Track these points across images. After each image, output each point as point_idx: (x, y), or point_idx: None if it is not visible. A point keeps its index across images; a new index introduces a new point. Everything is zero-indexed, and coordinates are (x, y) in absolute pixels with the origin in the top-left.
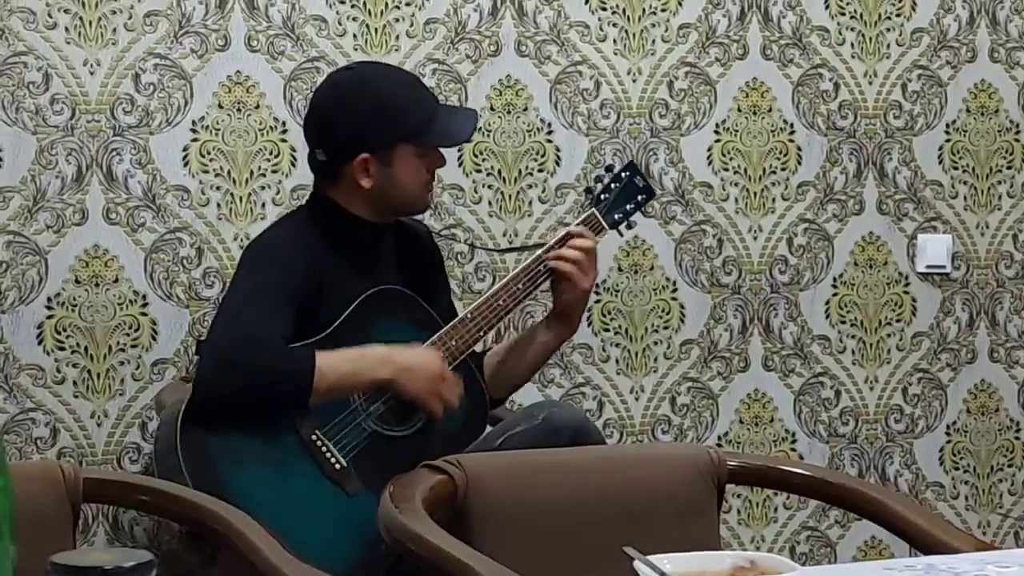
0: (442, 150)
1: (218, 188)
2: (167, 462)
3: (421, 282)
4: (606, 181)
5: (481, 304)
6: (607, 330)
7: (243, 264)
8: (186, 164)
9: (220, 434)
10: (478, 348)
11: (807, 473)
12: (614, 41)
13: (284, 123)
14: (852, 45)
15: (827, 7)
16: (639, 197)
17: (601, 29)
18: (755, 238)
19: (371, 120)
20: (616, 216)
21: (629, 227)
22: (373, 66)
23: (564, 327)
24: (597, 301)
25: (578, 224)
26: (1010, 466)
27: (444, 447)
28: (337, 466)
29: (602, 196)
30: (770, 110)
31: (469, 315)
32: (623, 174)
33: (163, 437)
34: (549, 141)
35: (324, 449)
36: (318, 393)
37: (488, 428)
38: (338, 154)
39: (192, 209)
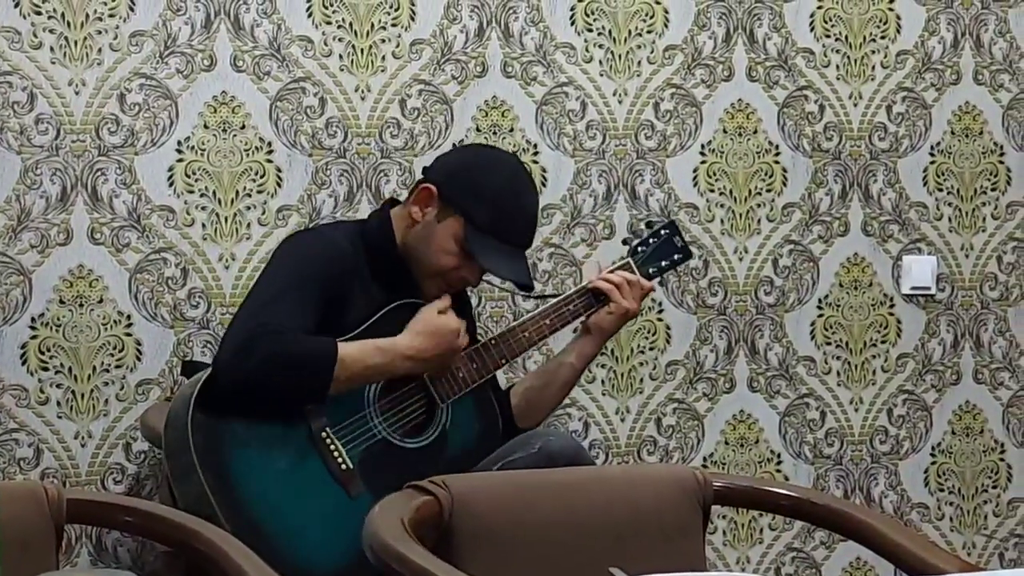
0: (482, 279)
1: (203, 208)
2: (177, 453)
3: None
4: (644, 236)
5: (505, 333)
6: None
7: (277, 257)
8: (171, 184)
9: (232, 417)
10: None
11: (792, 494)
12: (600, 62)
13: (270, 143)
14: (837, 67)
15: (812, 29)
16: (676, 256)
17: (587, 50)
18: (740, 259)
19: (466, 177)
20: (651, 269)
21: (662, 283)
22: (519, 165)
23: (588, 346)
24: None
25: (613, 269)
26: (995, 487)
27: (451, 465)
28: (344, 467)
29: (639, 248)
30: (755, 132)
31: (492, 342)
32: (662, 231)
33: (173, 424)
34: (535, 162)
35: (332, 448)
36: (338, 382)
37: None
38: (429, 175)
39: (177, 229)
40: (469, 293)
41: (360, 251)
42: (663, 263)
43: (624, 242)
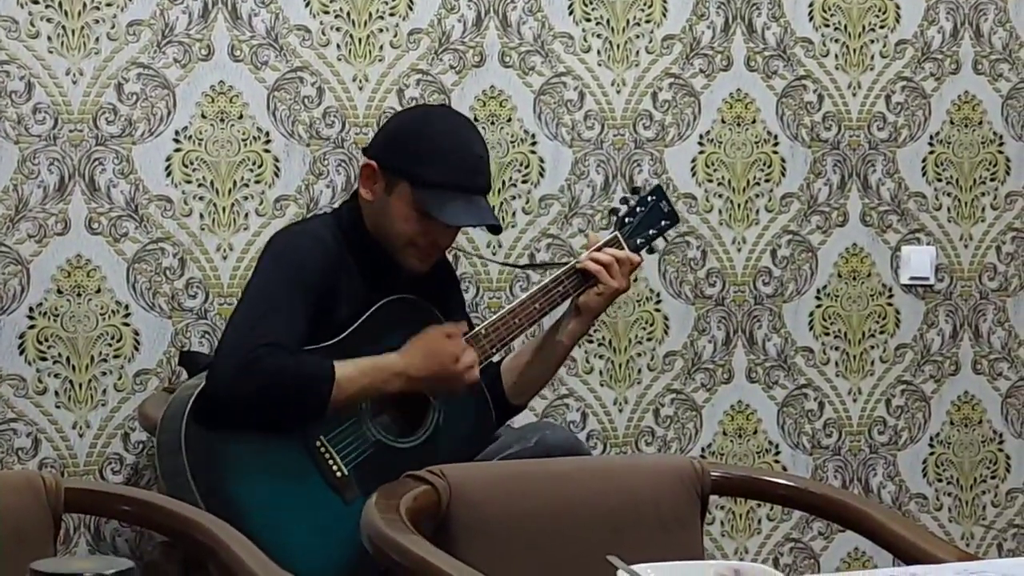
0: (457, 234)
1: (201, 198)
2: (170, 455)
3: (436, 299)
4: (631, 204)
5: (496, 321)
6: (591, 341)
7: (264, 261)
8: (169, 174)
9: (225, 431)
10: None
11: (791, 484)
12: (598, 52)
13: (267, 133)
14: (836, 57)
15: (811, 19)
16: (663, 222)
17: (585, 40)
18: (739, 250)
19: (399, 141)
20: (639, 240)
21: (651, 251)
22: (450, 114)
23: (579, 325)
24: None
25: (599, 246)
26: (993, 478)
27: (447, 460)
28: (339, 474)
29: (626, 219)
30: (754, 121)
31: (483, 331)
32: (649, 198)
33: (167, 429)
34: (533, 152)
35: (327, 456)
36: (335, 404)
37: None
38: (367, 152)
39: (175, 219)
40: (465, 286)
41: (340, 241)
42: (651, 232)
43: (611, 212)
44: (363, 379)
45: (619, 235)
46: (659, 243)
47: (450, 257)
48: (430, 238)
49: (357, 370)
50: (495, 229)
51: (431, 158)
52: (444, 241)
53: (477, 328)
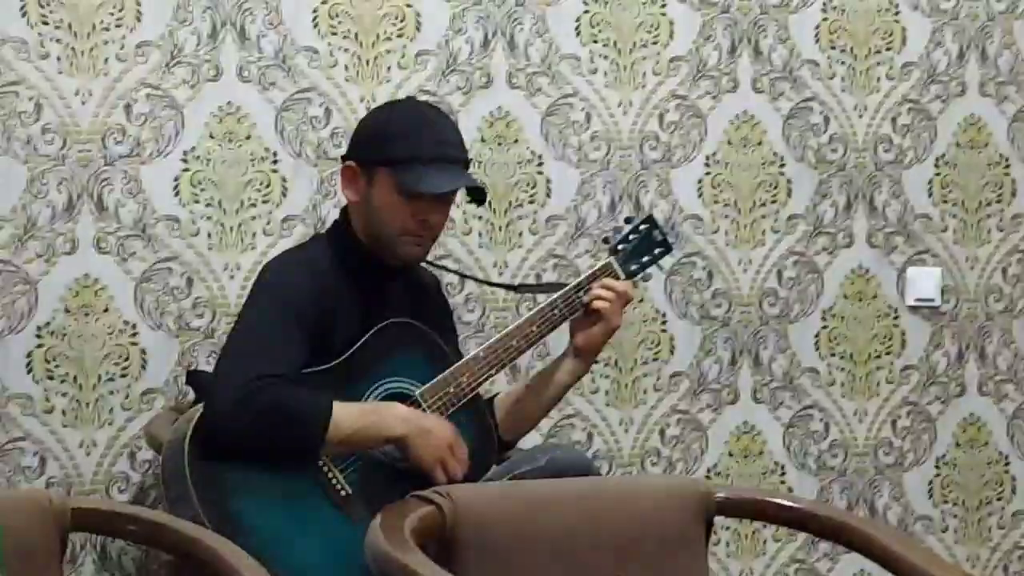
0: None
1: (209, 218)
2: (174, 482)
3: (430, 325)
4: (624, 232)
5: (494, 343)
6: (597, 361)
7: (258, 290)
8: (177, 194)
9: (228, 454)
10: (488, 387)
11: (796, 506)
12: (605, 73)
13: (275, 153)
14: (842, 79)
15: (817, 41)
16: (656, 251)
17: (592, 61)
18: (745, 271)
19: (369, 133)
20: (632, 267)
21: (645, 279)
22: (415, 101)
23: (581, 365)
24: None
25: (594, 272)
26: (999, 499)
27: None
28: (343, 493)
29: (619, 247)
30: (760, 143)
31: (481, 353)
32: (641, 227)
33: (170, 458)
34: (540, 173)
35: (331, 475)
36: (330, 444)
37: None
38: (344, 159)
39: (183, 239)
40: (471, 306)
41: (333, 262)
42: (645, 259)
43: (605, 240)
44: (362, 420)
45: (613, 261)
46: (653, 271)
47: (455, 279)
48: (420, 218)
49: (356, 411)
50: (479, 196)
51: (400, 137)
52: (435, 219)
53: (476, 351)
